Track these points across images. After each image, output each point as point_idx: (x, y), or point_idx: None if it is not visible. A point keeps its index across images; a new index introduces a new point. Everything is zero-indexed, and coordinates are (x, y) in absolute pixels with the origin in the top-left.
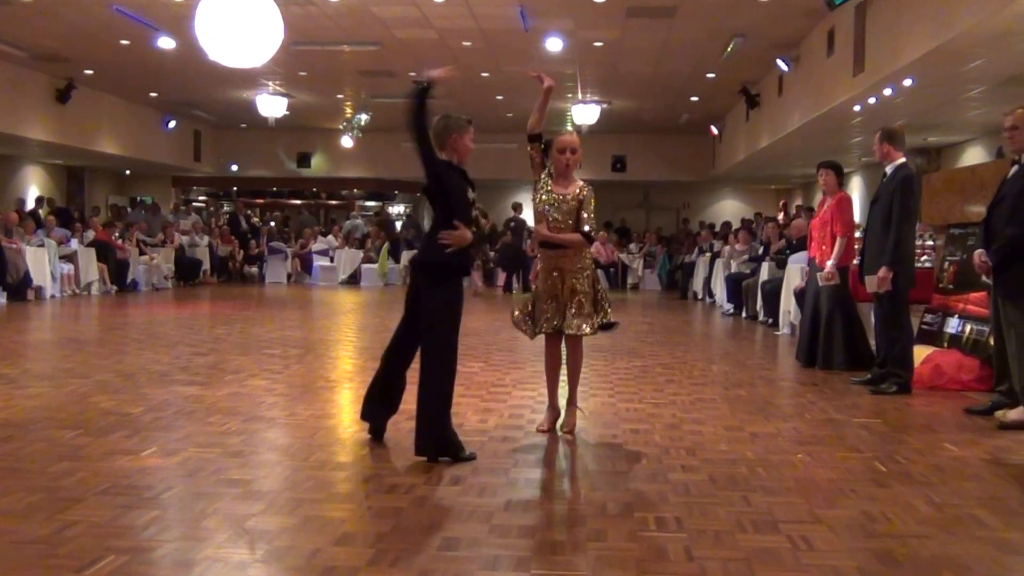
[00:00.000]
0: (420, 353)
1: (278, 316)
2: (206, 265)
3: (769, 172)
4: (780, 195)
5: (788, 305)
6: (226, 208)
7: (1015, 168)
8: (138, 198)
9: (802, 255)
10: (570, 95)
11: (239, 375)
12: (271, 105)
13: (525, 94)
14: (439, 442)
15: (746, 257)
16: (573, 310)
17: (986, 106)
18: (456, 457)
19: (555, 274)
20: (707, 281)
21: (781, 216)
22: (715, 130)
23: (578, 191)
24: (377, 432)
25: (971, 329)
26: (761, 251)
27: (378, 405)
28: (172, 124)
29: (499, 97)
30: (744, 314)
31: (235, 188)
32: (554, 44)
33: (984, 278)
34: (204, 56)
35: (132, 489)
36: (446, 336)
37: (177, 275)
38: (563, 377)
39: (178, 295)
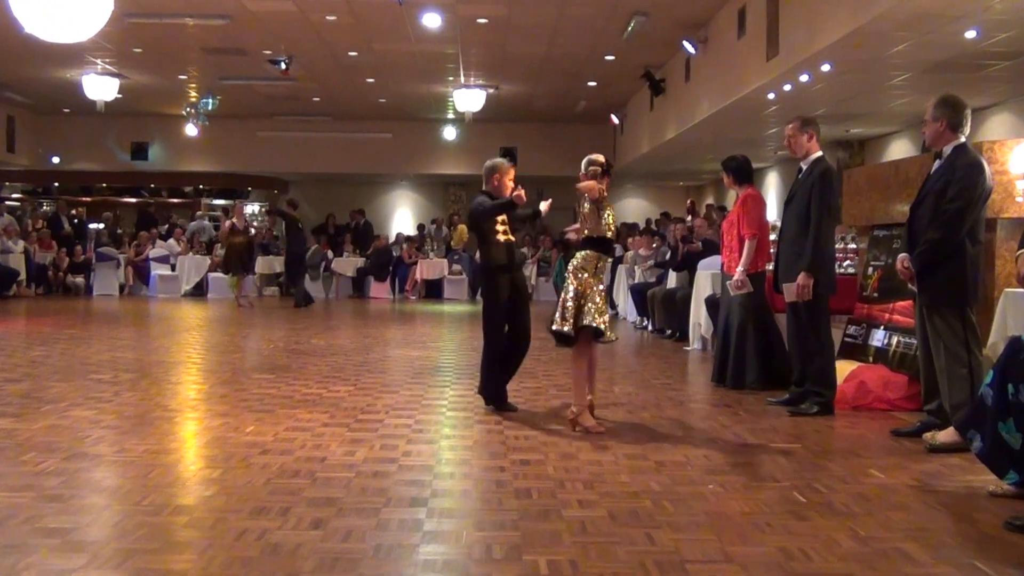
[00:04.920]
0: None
1: (108, 334)
2: (22, 275)
3: (677, 167)
4: (689, 193)
5: (699, 317)
6: (46, 207)
7: (937, 163)
8: None
9: (713, 260)
10: (451, 79)
11: (59, 405)
12: (100, 87)
13: (399, 76)
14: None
15: (651, 263)
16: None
17: (911, 95)
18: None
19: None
20: (609, 289)
21: (689, 217)
22: (616, 119)
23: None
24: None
25: (898, 342)
26: (668, 256)
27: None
28: None
29: (370, 80)
30: (650, 327)
31: (57, 184)
32: (431, 20)
33: (909, 285)
34: (19, 29)
35: None
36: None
37: None
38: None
39: None
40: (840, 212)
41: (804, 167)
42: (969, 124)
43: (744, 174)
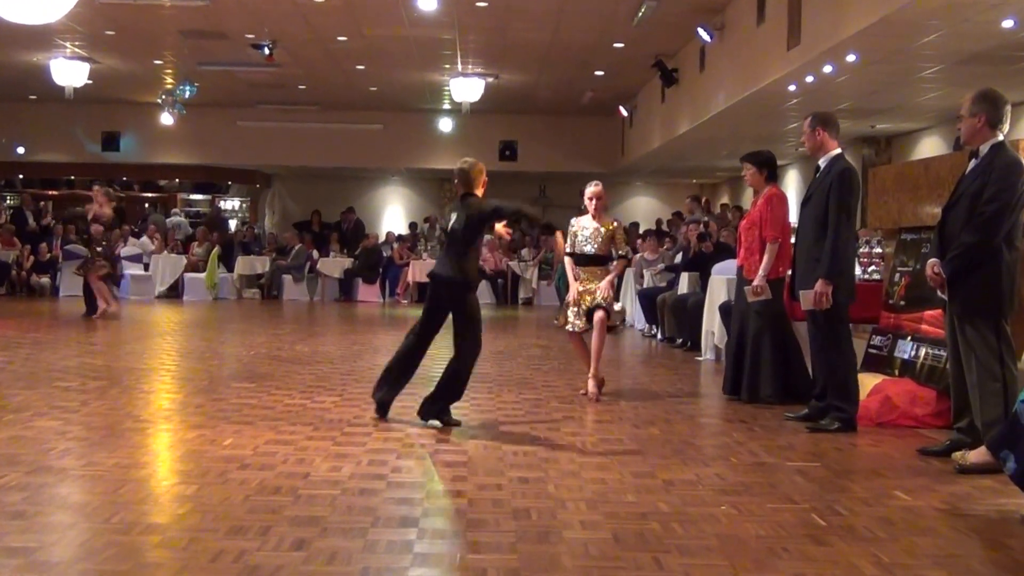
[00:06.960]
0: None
1: (75, 339)
2: None
3: (691, 163)
4: (704, 191)
5: (712, 325)
6: (9, 202)
7: (972, 162)
8: None
9: (728, 264)
10: (448, 66)
11: (22, 414)
12: (69, 72)
13: (391, 63)
14: None
15: (661, 266)
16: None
17: (943, 88)
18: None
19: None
20: (616, 295)
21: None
22: (624, 112)
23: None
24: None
25: (926, 353)
26: (679, 258)
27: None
28: None
29: (360, 67)
30: (659, 335)
31: (21, 176)
32: (427, 3)
33: (939, 293)
34: None
35: None
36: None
37: None
38: None
39: None
40: (866, 213)
41: (822, 165)
42: (1009, 121)
43: (772, 170)
